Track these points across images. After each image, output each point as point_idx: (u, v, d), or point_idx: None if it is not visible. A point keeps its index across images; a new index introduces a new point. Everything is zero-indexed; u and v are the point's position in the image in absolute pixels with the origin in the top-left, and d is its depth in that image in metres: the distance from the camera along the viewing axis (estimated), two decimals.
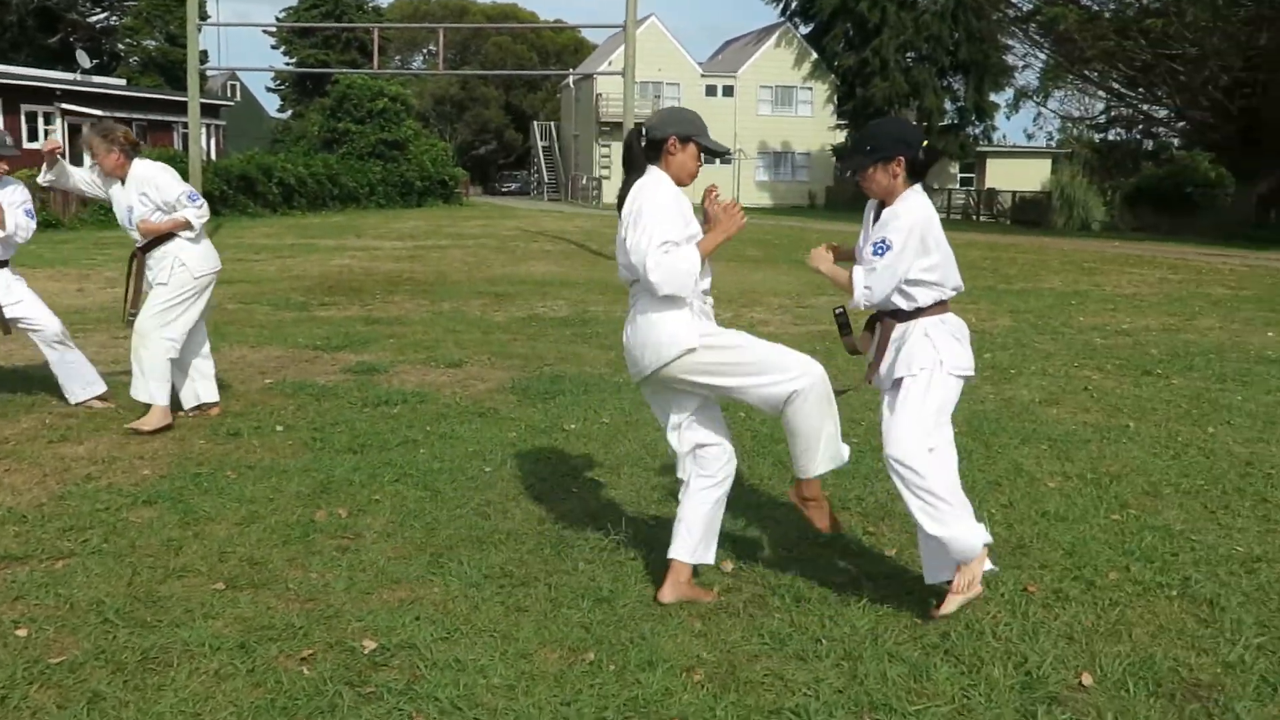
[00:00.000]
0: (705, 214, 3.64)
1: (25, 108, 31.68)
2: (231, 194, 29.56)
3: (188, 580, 3.78)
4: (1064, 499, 4.91)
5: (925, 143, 3.52)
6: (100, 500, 4.64)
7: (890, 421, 3.51)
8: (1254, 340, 10.10)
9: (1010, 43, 46.77)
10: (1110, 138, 49.69)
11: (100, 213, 22.09)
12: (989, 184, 51.28)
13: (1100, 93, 44.06)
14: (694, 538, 3.67)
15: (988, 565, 3.61)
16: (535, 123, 66.55)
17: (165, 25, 52.75)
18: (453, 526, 4.40)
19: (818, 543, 4.22)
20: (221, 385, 6.59)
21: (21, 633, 3.32)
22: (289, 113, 67.78)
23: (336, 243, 21.12)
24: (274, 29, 67.56)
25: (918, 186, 3.52)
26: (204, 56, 40.12)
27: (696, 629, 3.46)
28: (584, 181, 55.89)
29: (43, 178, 6.09)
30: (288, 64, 65.81)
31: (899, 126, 3.84)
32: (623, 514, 4.57)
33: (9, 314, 6.21)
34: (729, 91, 56.32)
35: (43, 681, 3.03)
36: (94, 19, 55.73)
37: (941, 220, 3.51)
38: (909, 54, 50.56)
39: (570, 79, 60.89)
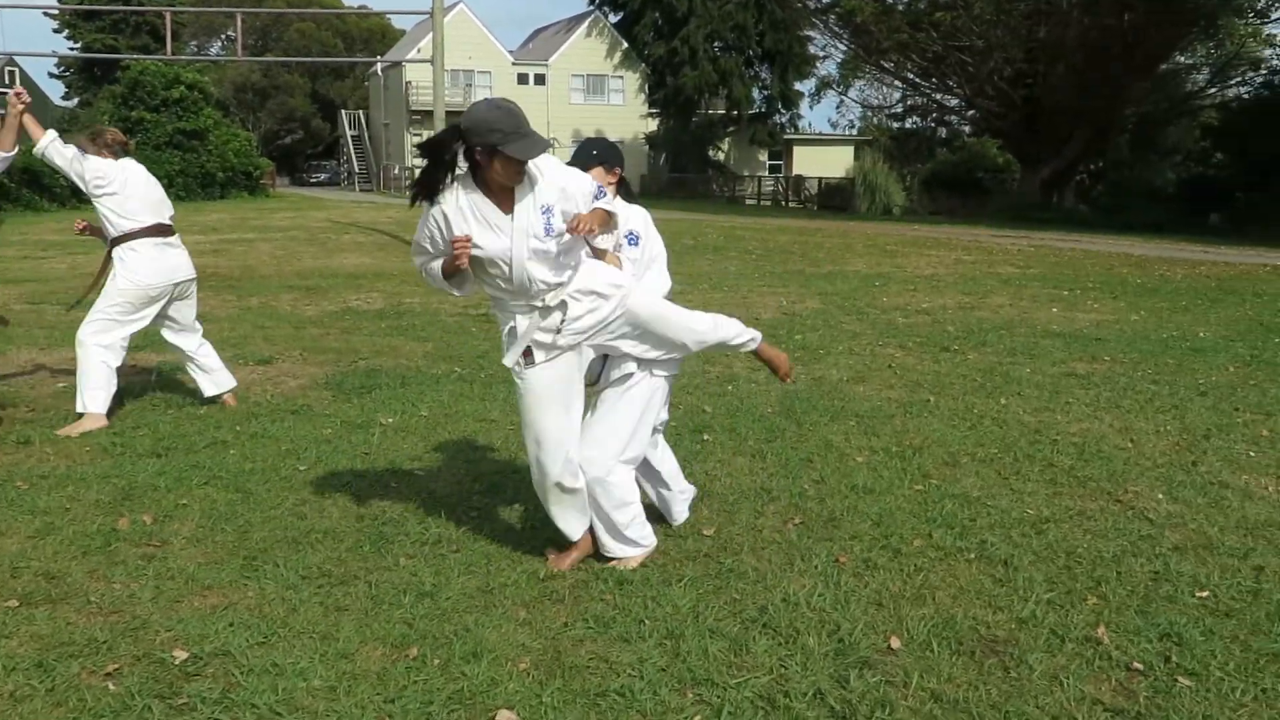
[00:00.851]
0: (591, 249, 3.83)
1: None
2: (14, 188, 27.68)
3: None
4: (871, 472, 5.13)
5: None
6: None
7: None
8: (1040, 316, 10.77)
9: (811, 34, 48.39)
10: (907, 126, 52.05)
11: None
12: (796, 171, 52.90)
13: (897, 83, 46.20)
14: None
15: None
16: (343, 111, 64.61)
17: None
18: (267, 528, 4.26)
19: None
20: (10, 390, 6.19)
21: None
22: (75, 100, 63.83)
23: None
24: (56, 10, 63.37)
25: None
26: None
27: (521, 617, 3.46)
28: (396, 171, 54.66)
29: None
30: (72, 49, 61.91)
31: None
32: (443, 507, 4.52)
33: None
34: (541, 80, 56.13)
35: None
36: None
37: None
38: (717, 44, 51.50)
39: (378, 66, 59.35)
